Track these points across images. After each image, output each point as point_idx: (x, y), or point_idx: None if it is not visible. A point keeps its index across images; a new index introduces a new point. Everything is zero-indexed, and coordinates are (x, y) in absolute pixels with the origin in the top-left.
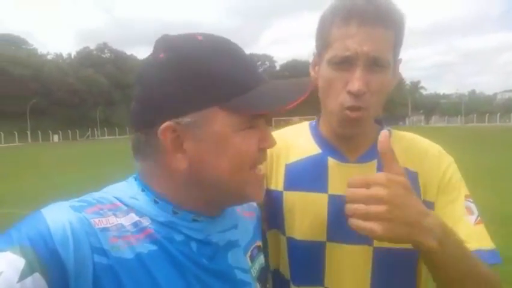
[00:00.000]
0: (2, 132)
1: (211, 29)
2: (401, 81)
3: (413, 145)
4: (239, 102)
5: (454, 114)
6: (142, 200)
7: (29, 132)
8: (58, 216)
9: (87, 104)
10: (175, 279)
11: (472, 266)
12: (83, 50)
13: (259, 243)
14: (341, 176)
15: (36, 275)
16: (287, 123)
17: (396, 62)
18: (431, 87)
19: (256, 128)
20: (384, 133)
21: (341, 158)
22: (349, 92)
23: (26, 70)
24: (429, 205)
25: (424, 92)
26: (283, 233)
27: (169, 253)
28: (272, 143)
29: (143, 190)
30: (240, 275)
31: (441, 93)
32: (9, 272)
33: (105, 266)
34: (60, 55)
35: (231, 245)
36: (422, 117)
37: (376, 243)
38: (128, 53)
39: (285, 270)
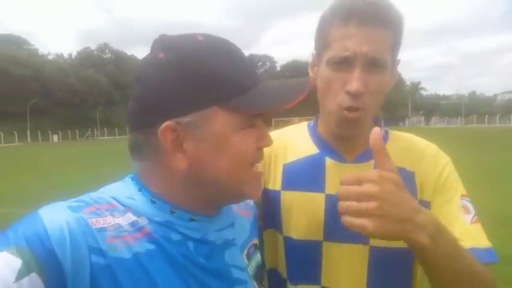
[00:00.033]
0: (1, 132)
1: (212, 30)
2: (401, 82)
3: (410, 145)
4: (239, 102)
5: (454, 115)
6: (139, 200)
7: (28, 132)
8: (55, 216)
9: (87, 104)
10: (173, 279)
11: (465, 265)
12: (84, 50)
13: (255, 241)
14: (338, 176)
15: (33, 275)
16: (287, 124)
17: (395, 62)
18: (431, 88)
19: (255, 127)
20: (375, 130)
21: (339, 158)
22: (347, 92)
23: (26, 70)
24: (426, 205)
25: (424, 93)
26: (281, 233)
27: (166, 252)
28: (269, 142)
29: (140, 190)
30: (236, 273)
31: (442, 94)
32: (5, 272)
33: (102, 266)
34: (61, 55)
35: (228, 243)
36: (422, 118)
37: (372, 243)
38: (129, 53)
39: (282, 269)
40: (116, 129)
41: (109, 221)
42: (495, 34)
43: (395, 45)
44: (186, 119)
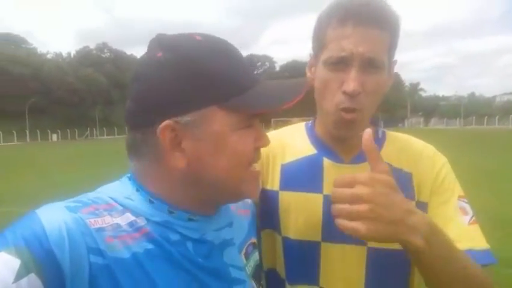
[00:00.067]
0: (0, 132)
1: (211, 29)
2: (400, 83)
3: (408, 146)
4: (237, 102)
5: (453, 116)
6: (137, 200)
7: (27, 131)
8: (53, 217)
9: (86, 103)
10: (172, 278)
11: (461, 268)
12: (83, 50)
13: (254, 240)
14: (336, 177)
15: (32, 275)
16: (286, 124)
17: (392, 63)
18: (431, 89)
19: (253, 127)
20: (367, 131)
21: (336, 158)
22: (344, 93)
23: (25, 69)
24: (423, 206)
25: (423, 94)
26: (279, 233)
27: (165, 252)
28: (267, 142)
29: (137, 190)
30: (234, 273)
31: (441, 95)
32: (4, 273)
33: (101, 266)
34: (60, 54)
35: (226, 243)
36: (421, 119)
37: (370, 244)
38: (128, 52)
39: (281, 269)
40: (116, 128)
41: (107, 221)
42: (494, 35)
43: (391, 46)
44: (185, 118)
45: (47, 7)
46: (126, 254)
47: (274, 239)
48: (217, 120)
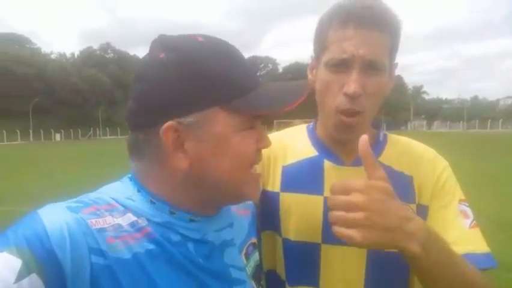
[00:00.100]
0: (4, 131)
1: (214, 31)
2: (403, 86)
3: (409, 149)
4: (240, 103)
5: (456, 119)
6: (138, 200)
7: (31, 131)
8: (55, 217)
9: (90, 103)
10: (172, 278)
11: (459, 274)
12: (87, 50)
13: (254, 240)
14: (337, 179)
15: (33, 275)
16: (288, 126)
17: (393, 65)
18: (434, 92)
19: (254, 128)
20: (363, 137)
21: (337, 160)
22: (345, 94)
23: (29, 69)
24: (424, 209)
25: (426, 97)
26: (279, 234)
27: (166, 252)
28: (268, 144)
29: (139, 191)
30: (235, 273)
31: (444, 98)
32: (5, 273)
33: (102, 266)
34: (64, 54)
35: (226, 244)
36: (424, 122)
37: None
38: (131, 53)
39: (281, 270)
40: (119, 129)
41: (108, 221)
42: (498, 38)
43: (392, 49)
44: (188, 119)
45: (51, 7)
46: (127, 255)
47: (274, 241)
48: (220, 122)
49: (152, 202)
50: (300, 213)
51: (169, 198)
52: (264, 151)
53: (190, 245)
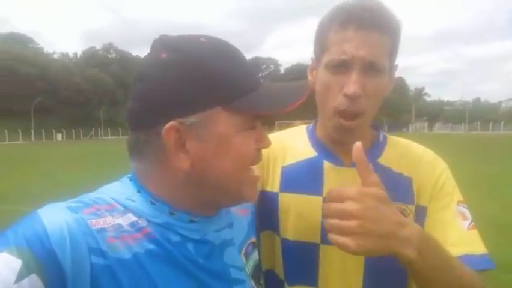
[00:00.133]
0: (6, 130)
1: (217, 31)
2: (405, 88)
3: (408, 151)
4: (241, 104)
5: (458, 121)
6: (138, 201)
7: (32, 131)
8: (55, 217)
9: (92, 103)
10: (172, 278)
11: (456, 278)
12: (89, 50)
13: (253, 239)
14: (336, 180)
15: (33, 276)
16: (289, 126)
17: (393, 67)
18: (436, 94)
19: (255, 129)
20: (357, 144)
21: (336, 161)
22: (345, 95)
23: (32, 69)
24: (423, 210)
25: (428, 99)
26: (278, 234)
27: (166, 252)
28: (268, 144)
29: (139, 191)
30: (235, 273)
31: (446, 100)
32: (5, 273)
33: (102, 266)
34: (67, 54)
35: (226, 243)
36: (426, 124)
37: None
38: (134, 53)
39: (279, 270)
40: (120, 129)
41: (108, 221)
42: (500, 41)
43: (392, 50)
44: (190, 119)
45: (54, 7)
46: (127, 255)
47: (273, 241)
48: (222, 122)
49: (152, 203)
50: (299, 214)
51: (169, 198)
52: (263, 151)
53: (190, 245)
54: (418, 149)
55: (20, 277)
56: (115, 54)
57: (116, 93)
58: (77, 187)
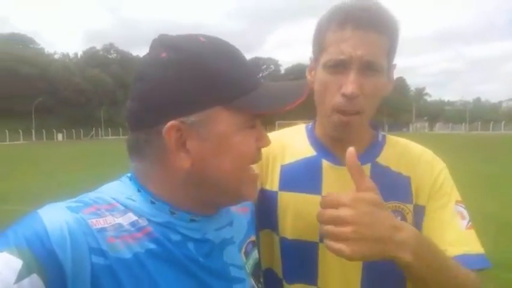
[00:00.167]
0: (7, 130)
1: (217, 31)
2: (405, 88)
3: (407, 150)
4: (241, 103)
5: (459, 121)
6: (138, 200)
7: (33, 131)
8: (55, 217)
9: (92, 103)
10: (173, 278)
11: (452, 277)
12: (90, 50)
13: (253, 238)
14: (335, 179)
15: (34, 276)
16: (290, 126)
17: (391, 67)
18: (436, 94)
19: (254, 128)
20: (350, 150)
21: (335, 160)
22: (343, 95)
23: (33, 69)
24: (421, 209)
25: (429, 99)
26: (277, 233)
27: (167, 252)
28: (268, 142)
29: (139, 190)
30: (235, 272)
31: (446, 100)
32: (6, 273)
33: (103, 266)
34: (67, 55)
35: (226, 242)
36: (426, 124)
37: None
38: (134, 53)
39: (278, 269)
40: (120, 129)
41: (109, 221)
42: (501, 41)
43: (390, 50)
44: (191, 118)
45: (55, 7)
46: (128, 254)
47: (271, 239)
48: (223, 121)
49: (152, 202)
50: (298, 213)
51: (169, 198)
52: (263, 150)
53: (191, 245)
54: (417, 148)
55: (21, 277)
56: (115, 55)
57: (116, 93)
58: (77, 187)
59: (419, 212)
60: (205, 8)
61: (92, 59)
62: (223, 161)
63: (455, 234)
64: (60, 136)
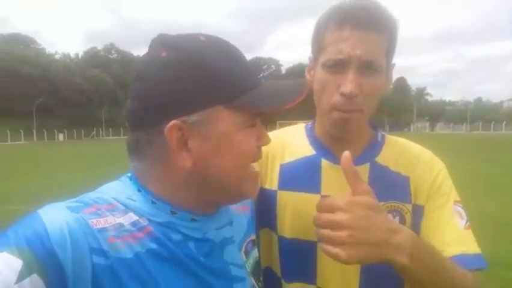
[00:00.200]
0: (8, 131)
1: (218, 31)
2: (406, 88)
3: (406, 150)
4: (242, 102)
5: (460, 121)
6: (139, 200)
7: (34, 131)
8: (55, 217)
9: (93, 103)
10: (174, 277)
11: (449, 278)
12: (91, 50)
13: (253, 237)
14: (334, 178)
15: (34, 276)
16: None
17: (390, 66)
18: (437, 94)
19: (255, 126)
20: (345, 154)
21: (334, 160)
22: (342, 94)
23: (34, 69)
24: (420, 209)
25: (430, 99)
26: (276, 232)
27: (167, 251)
28: (268, 141)
29: (139, 190)
30: (235, 271)
31: (447, 100)
32: (6, 273)
33: (104, 266)
34: (68, 55)
35: (226, 241)
36: (427, 124)
37: None
38: (135, 53)
39: (276, 268)
40: (122, 129)
41: (110, 220)
42: (502, 41)
43: (389, 50)
44: (192, 118)
45: (56, 7)
46: (129, 254)
47: (270, 238)
48: (224, 120)
49: (153, 202)
50: (297, 212)
51: (170, 198)
52: (262, 149)
53: (191, 244)
54: (416, 148)
55: (21, 277)
56: (116, 55)
57: (117, 93)
58: (78, 187)
59: (418, 212)
60: (205, 8)
61: (93, 59)
62: (225, 160)
63: (453, 234)
64: (61, 136)
